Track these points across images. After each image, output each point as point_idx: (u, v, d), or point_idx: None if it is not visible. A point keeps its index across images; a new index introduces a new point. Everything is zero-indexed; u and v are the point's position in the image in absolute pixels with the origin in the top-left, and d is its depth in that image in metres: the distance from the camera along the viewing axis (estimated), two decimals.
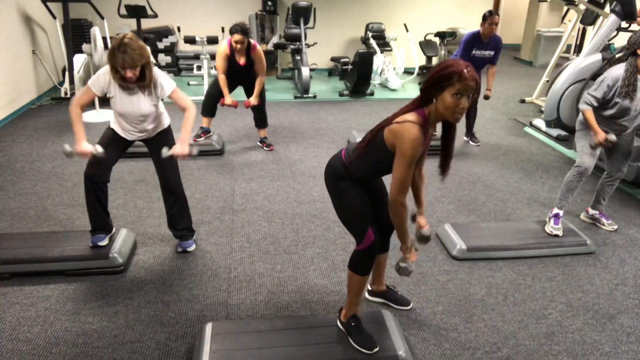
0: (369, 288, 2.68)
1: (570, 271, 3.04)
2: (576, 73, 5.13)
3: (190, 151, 2.69)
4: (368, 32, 8.37)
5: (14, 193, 3.83)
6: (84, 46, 6.07)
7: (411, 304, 2.65)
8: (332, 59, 8.42)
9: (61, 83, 6.77)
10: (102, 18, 6.57)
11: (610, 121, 3.21)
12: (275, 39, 8.26)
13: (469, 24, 8.39)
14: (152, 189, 3.89)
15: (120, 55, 2.43)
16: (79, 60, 6.16)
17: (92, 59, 5.97)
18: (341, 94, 7.24)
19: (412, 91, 7.64)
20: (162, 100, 2.79)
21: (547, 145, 5.41)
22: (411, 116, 1.88)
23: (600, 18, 6.22)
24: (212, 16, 8.19)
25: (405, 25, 8.35)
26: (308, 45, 7.62)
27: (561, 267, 3.08)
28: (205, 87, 6.32)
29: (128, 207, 3.65)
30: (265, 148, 4.95)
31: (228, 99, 4.55)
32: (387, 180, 2.04)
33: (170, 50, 7.85)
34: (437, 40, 8.29)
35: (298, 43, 7.43)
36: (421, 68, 8.24)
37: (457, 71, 1.78)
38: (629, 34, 3.83)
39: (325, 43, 8.67)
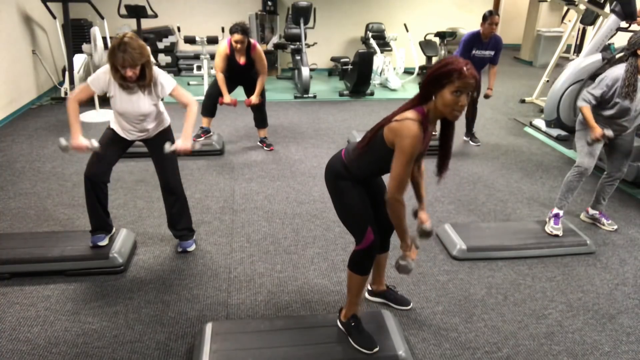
0: (369, 288, 2.68)
1: (570, 271, 3.04)
2: (576, 73, 5.13)
3: (192, 146, 2.69)
4: (368, 32, 8.37)
5: (14, 193, 3.83)
6: (84, 46, 6.07)
7: (411, 304, 2.65)
8: (332, 59, 8.42)
9: (61, 83, 6.77)
10: (102, 18, 6.57)
11: (610, 121, 3.21)
12: (275, 39, 8.26)
13: (469, 24, 8.39)
14: (152, 189, 3.89)
15: (121, 54, 2.43)
16: (79, 60, 6.16)
17: (92, 59, 5.97)
18: (341, 94, 7.24)
19: (412, 91, 7.64)
20: (162, 99, 2.79)
21: (547, 145, 5.41)
22: (410, 114, 1.88)
23: (600, 18, 6.22)
24: (212, 16, 8.19)
25: (405, 25, 8.36)
26: (308, 45, 7.62)
27: (561, 267, 3.08)
28: (205, 87, 6.32)
29: (128, 207, 3.65)
30: (265, 148, 4.95)
31: (227, 97, 4.55)
32: (387, 179, 2.03)
33: (170, 50, 7.85)
34: (437, 40, 8.29)
35: (298, 43, 7.43)
36: (421, 68, 8.25)
37: (457, 69, 1.78)
38: (628, 34, 3.83)
39: (325, 43, 8.67)
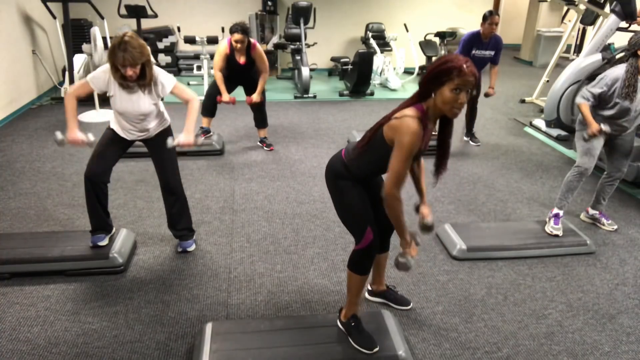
0: (369, 288, 2.68)
1: (570, 271, 3.04)
2: (576, 73, 5.13)
3: (195, 141, 2.70)
4: (368, 32, 8.37)
5: (14, 193, 3.83)
6: (84, 46, 6.07)
7: (411, 304, 2.65)
8: (332, 59, 8.42)
9: (61, 83, 6.77)
10: (102, 18, 6.56)
11: (610, 122, 3.21)
12: (275, 39, 8.26)
13: (469, 24, 8.39)
14: (152, 189, 3.89)
15: (121, 53, 2.42)
16: (79, 60, 6.15)
17: (92, 59, 5.97)
18: (341, 94, 7.24)
19: (412, 91, 7.53)
20: (162, 99, 2.79)
21: (547, 145, 5.41)
22: (410, 111, 1.88)
23: (600, 18, 6.22)
24: (212, 16, 8.19)
25: (405, 25, 8.36)
26: (308, 45, 7.62)
27: (561, 267, 3.08)
28: (205, 87, 6.32)
29: (128, 207, 3.65)
30: (265, 148, 4.95)
31: (225, 95, 4.54)
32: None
33: (170, 50, 7.85)
34: (437, 40, 8.29)
35: (298, 43, 7.43)
36: (421, 68, 8.25)
37: (457, 66, 1.78)
38: (629, 34, 3.83)
39: (325, 43, 8.67)
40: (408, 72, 8.56)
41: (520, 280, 2.92)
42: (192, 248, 3.12)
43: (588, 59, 5.10)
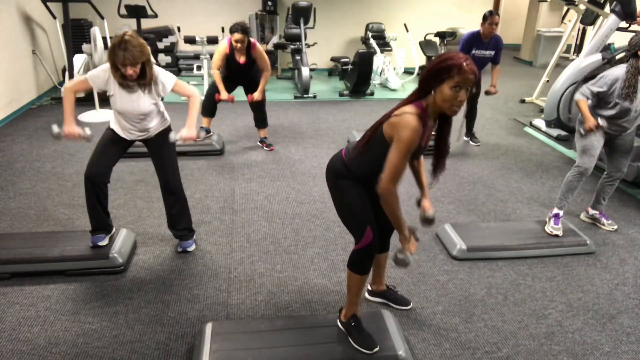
0: (369, 288, 2.68)
1: (570, 271, 3.04)
2: (576, 73, 5.14)
3: (197, 135, 2.70)
4: (368, 32, 8.37)
5: (14, 193, 3.83)
6: (84, 46, 6.07)
7: (411, 304, 2.65)
8: (332, 59, 8.42)
9: (61, 83, 6.77)
10: (102, 18, 6.57)
11: (610, 122, 3.21)
12: (275, 39, 8.26)
13: (469, 24, 8.39)
14: (152, 189, 3.89)
15: (121, 52, 2.42)
16: (79, 60, 6.15)
17: (92, 59, 5.97)
18: (341, 94, 7.24)
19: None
20: (162, 98, 2.79)
21: (547, 145, 5.41)
22: (409, 108, 1.88)
23: (600, 18, 6.22)
24: (212, 16, 8.19)
25: (405, 25, 8.36)
26: (308, 45, 7.62)
27: (561, 267, 3.08)
28: (205, 87, 6.32)
29: (128, 207, 3.65)
30: (265, 148, 4.95)
31: (224, 94, 4.54)
32: None
33: (170, 50, 7.85)
34: (437, 40, 8.29)
35: (298, 43, 7.43)
36: (421, 68, 8.24)
37: (457, 64, 1.78)
38: (628, 34, 3.83)
39: (325, 43, 8.67)
40: (408, 72, 8.56)
41: (520, 280, 2.92)
42: (192, 248, 3.12)
43: (588, 59, 5.10)
